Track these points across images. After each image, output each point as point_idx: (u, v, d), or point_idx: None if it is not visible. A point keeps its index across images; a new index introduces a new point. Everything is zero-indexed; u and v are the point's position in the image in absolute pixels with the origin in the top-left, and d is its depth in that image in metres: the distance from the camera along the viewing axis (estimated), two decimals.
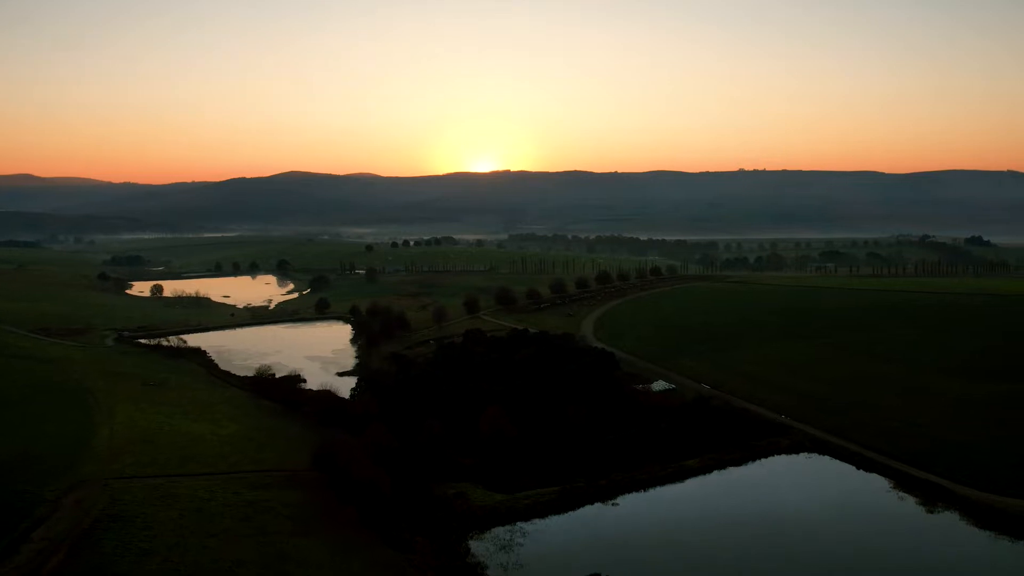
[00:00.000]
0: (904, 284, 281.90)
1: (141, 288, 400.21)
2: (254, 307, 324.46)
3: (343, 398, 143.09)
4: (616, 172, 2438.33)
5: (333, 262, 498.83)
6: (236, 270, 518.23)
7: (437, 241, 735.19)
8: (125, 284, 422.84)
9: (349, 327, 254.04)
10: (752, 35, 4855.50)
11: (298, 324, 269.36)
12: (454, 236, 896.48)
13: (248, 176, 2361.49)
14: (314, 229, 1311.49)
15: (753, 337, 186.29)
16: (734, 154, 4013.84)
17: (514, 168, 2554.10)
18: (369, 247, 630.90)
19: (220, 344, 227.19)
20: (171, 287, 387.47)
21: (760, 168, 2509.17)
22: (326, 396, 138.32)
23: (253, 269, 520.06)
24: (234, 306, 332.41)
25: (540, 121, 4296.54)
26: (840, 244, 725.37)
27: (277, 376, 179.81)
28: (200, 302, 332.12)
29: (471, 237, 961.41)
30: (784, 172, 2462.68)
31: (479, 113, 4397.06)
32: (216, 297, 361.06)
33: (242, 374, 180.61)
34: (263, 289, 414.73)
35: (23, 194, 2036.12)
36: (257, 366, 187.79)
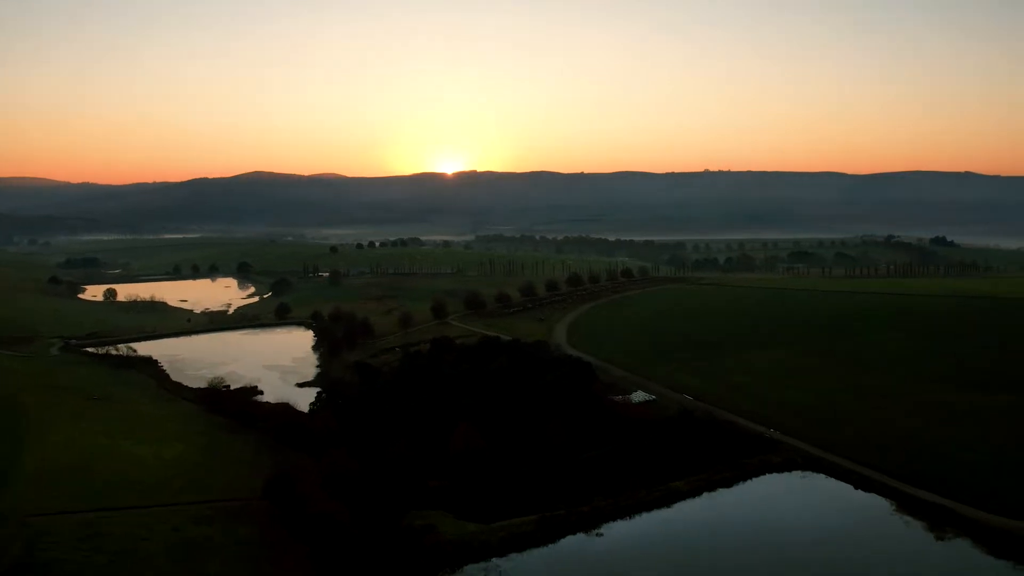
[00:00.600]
0: (879, 285, 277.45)
1: (95, 292, 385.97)
2: (212, 312, 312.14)
3: (302, 412, 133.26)
4: (583, 172, 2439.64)
5: (296, 264, 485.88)
6: (196, 272, 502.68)
7: (403, 242, 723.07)
8: (78, 288, 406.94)
9: (311, 333, 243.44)
10: (713, 38, 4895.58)
11: (257, 330, 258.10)
12: (420, 237, 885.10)
13: (210, 176, 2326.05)
14: (278, 230, 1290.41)
15: (733, 343, 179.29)
16: (699, 155, 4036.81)
17: (480, 168, 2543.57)
18: (333, 248, 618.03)
19: (174, 352, 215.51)
20: (126, 291, 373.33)
21: (725, 169, 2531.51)
22: (283, 411, 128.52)
23: (213, 272, 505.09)
24: (191, 311, 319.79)
25: (506, 121, 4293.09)
26: (807, 244, 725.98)
27: (232, 388, 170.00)
28: (155, 307, 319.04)
29: (438, 238, 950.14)
30: (748, 173, 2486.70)
31: (445, 113, 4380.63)
32: (173, 301, 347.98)
33: (195, 386, 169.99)
34: (223, 292, 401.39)
35: None
36: (211, 376, 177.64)
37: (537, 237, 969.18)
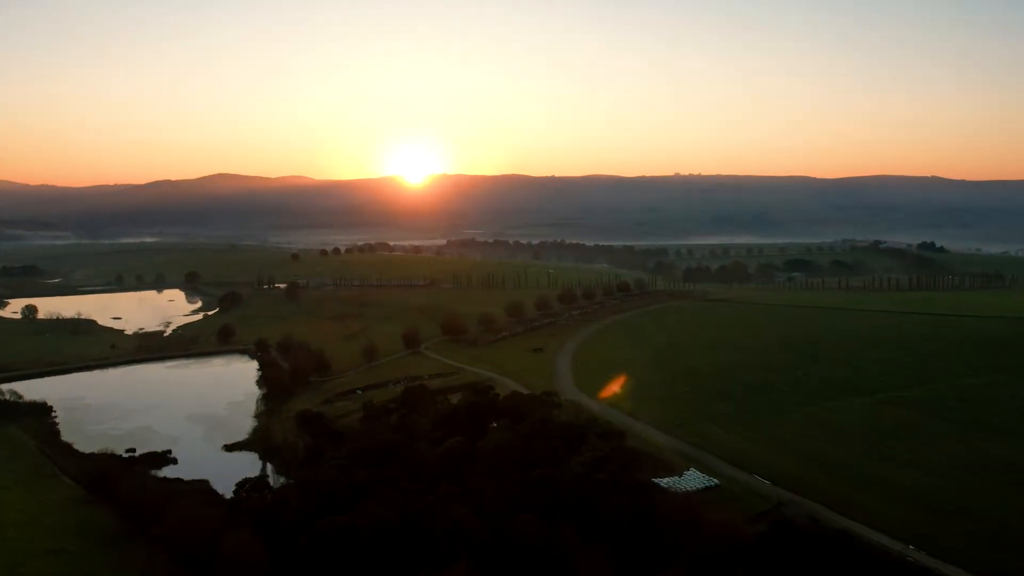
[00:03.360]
0: (923, 303, 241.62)
1: (19, 307, 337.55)
2: (146, 333, 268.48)
3: (214, 521, 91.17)
4: (553, 176, 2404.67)
5: (252, 274, 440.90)
6: (140, 283, 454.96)
7: (371, 247, 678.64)
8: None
9: (256, 364, 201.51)
10: (683, 41, 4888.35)
11: (192, 361, 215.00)
12: (390, 242, 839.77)
13: (173, 179, 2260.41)
14: (241, 233, 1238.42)
15: (791, 386, 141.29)
16: (669, 160, 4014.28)
17: (451, 171, 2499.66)
18: (295, 255, 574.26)
19: (79, 394, 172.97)
20: (55, 305, 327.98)
21: (696, 173, 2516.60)
22: (186, 523, 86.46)
23: (160, 282, 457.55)
24: (122, 331, 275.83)
25: (477, 125, 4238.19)
26: (794, 251, 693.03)
27: (136, 454, 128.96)
28: (80, 327, 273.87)
29: (407, 243, 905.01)
30: (719, 177, 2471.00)
31: (414, 116, 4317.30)
32: (105, 319, 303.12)
33: (90, 449, 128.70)
34: (165, 307, 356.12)
35: None
36: (116, 432, 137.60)
37: (511, 242, 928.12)
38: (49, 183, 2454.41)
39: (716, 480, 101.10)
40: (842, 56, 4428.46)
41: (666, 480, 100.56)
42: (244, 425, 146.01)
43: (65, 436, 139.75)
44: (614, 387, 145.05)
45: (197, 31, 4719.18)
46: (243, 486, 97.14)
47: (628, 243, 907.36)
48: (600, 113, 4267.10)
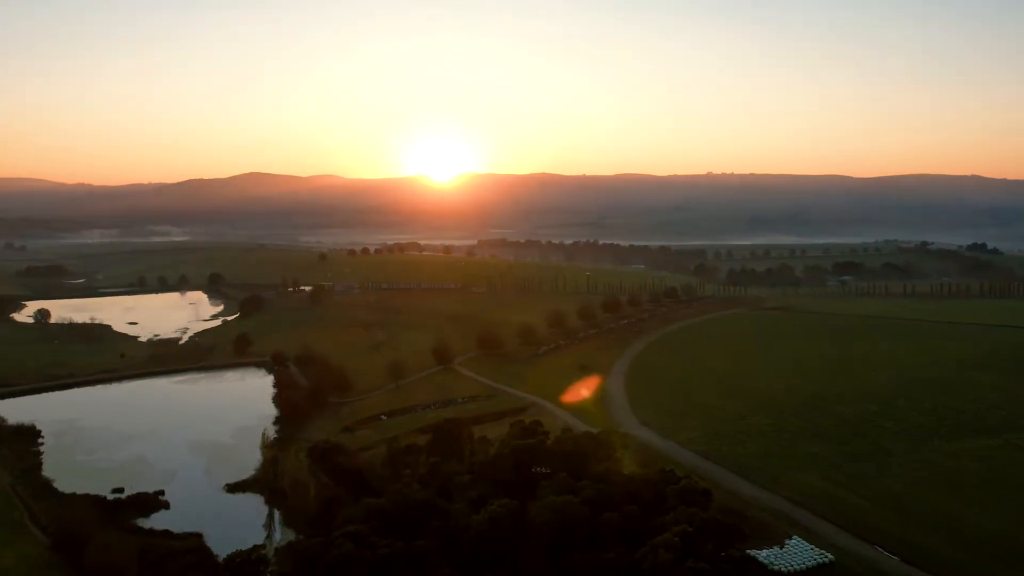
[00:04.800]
0: (1008, 314, 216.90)
1: (36, 309, 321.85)
2: (160, 340, 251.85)
3: None
4: (584, 175, 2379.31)
5: (279, 273, 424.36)
6: (163, 285, 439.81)
7: (401, 248, 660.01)
8: (16, 305, 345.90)
9: (272, 379, 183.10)
10: (715, 40, 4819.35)
11: (204, 374, 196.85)
12: (420, 241, 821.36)
13: (205, 177, 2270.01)
14: (271, 233, 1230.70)
15: (890, 423, 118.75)
16: (701, 158, 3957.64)
17: (481, 171, 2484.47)
18: (322, 256, 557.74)
19: (74, 415, 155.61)
20: (73, 308, 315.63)
21: (728, 172, 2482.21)
22: None
23: (183, 284, 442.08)
24: (136, 338, 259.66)
25: (507, 124, 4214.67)
26: (838, 252, 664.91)
27: (124, 495, 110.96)
28: (91, 333, 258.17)
29: (438, 242, 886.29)
30: (752, 176, 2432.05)
31: (444, 114, 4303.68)
32: (120, 324, 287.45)
33: (73, 485, 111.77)
34: (184, 312, 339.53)
35: None
36: (106, 464, 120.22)
37: (543, 242, 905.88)
38: (85, 182, 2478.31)
39: (829, 555, 79.78)
40: (878, 53, 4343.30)
41: (765, 553, 79.53)
42: (252, 457, 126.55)
43: (47, 470, 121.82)
44: (676, 415, 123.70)
45: (230, 31, 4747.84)
46: (234, 559, 77.51)
47: (662, 243, 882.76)
48: (631, 112, 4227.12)
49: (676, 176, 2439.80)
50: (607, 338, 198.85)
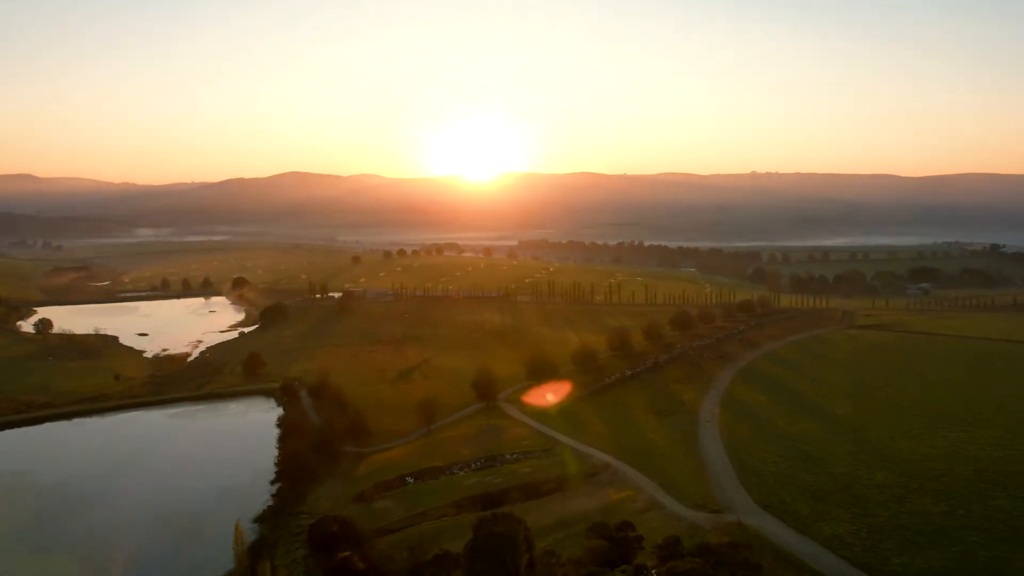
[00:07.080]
0: None
1: (48, 316, 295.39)
2: (166, 356, 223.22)
3: None
4: (625, 175, 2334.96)
5: (312, 275, 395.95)
6: (185, 290, 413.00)
7: (439, 248, 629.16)
8: (26, 312, 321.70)
9: (279, 414, 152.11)
10: (759, 38, 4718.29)
11: (203, 405, 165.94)
12: (459, 242, 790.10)
13: (246, 177, 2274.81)
14: (309, 232, 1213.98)
15: None
16: (745, 157, 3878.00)
17: (521, 170, 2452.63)
18: (356, 258, 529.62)
19: (29, 464, 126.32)
20: (87, 315, 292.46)
21: (773, 171, 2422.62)
22: None
23: (206, 288, 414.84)
24: (142, 353, 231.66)
25: (547, 123, 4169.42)
26: (906, 255, 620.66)
27: None
28: (91, 349, 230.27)
29: (478, 243, 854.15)
30: (797, 175, 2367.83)
31: (483, 114, 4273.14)
32: (129, 335, 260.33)
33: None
34: (202, 320, 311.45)
35: (20, 195, 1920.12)
36: (42, 553, 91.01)
37: (587, 243, 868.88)
38: (130, 181, 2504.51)
39: None
40: (929, 51, 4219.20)
41: None
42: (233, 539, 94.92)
43: None
44: (819, 502, 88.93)
45: (273, 33, 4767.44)
46: None
47: (706, 244, 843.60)
48: (674, 111, 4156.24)
49: (719, 175, 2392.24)
50: (683, 366, 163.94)
